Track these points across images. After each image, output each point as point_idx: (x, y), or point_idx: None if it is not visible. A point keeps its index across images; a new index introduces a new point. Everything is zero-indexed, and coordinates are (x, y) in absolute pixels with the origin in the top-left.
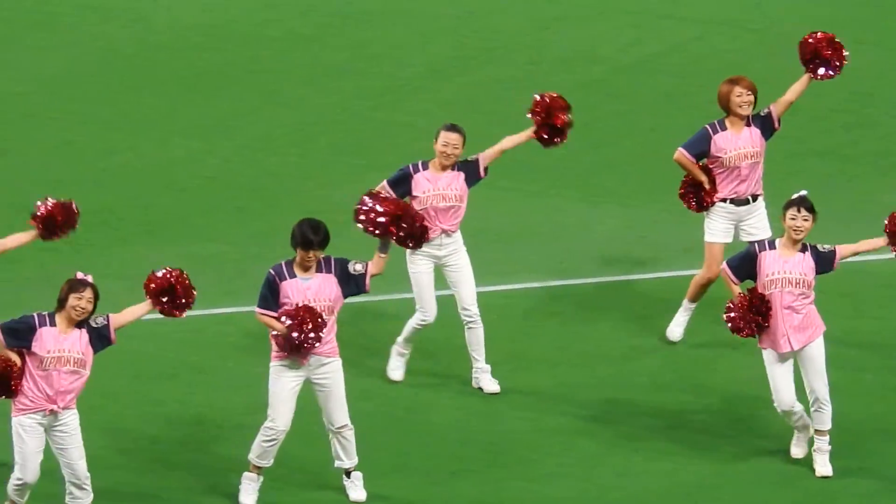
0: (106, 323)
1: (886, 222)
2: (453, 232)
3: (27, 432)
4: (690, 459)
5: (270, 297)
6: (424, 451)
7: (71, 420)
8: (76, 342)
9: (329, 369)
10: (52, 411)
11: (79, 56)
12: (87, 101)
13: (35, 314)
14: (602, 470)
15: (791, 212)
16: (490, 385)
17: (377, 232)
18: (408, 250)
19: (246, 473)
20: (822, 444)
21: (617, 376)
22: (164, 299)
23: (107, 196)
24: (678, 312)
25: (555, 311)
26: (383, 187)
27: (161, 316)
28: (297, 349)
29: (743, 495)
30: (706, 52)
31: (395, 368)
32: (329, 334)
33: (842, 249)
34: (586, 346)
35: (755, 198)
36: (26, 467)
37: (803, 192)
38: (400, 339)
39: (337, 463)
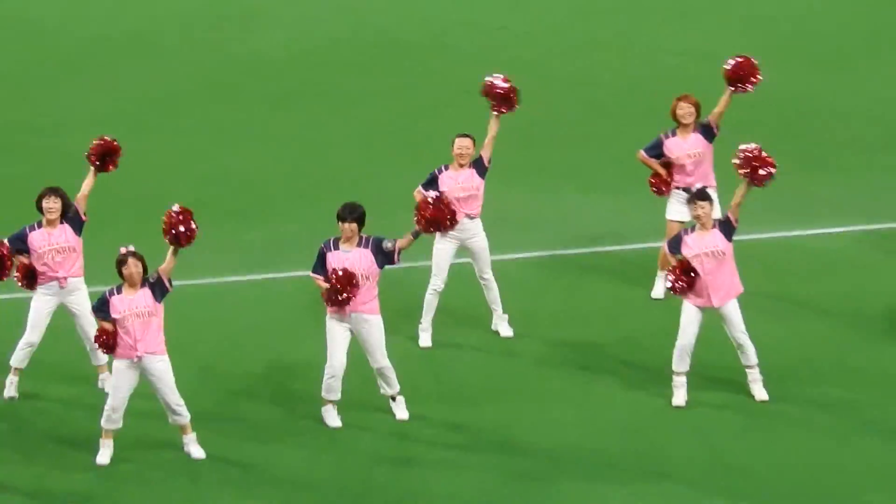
0: (158, 276)
1: (738, 161)
2: (475, 216)
3: (119, 372)
4: (666, 390)
5: (318, 264)
6: (454, 384)
7: (158, 364)
8: (141, 299)
9: (369, 324)
10: (138, 357)
11: (179, 79)
12: (185, 117)
13: (106, 290)
14: (595, 398)
15: (691, 206)
16: (506, 330)
17: (427, 229)
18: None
19: (323, 407)
20: (754, 375)
21: (610, 327)
22: (174, 232)
23: (209, 189)
24: (657, 277)
25: (557, 277)
26: (419, 191)
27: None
28: (334, 304)
29: (703, 420)
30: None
31: (424, 339)
32: (367, 296)
33: (730, 212)
34: (584, 304)
35: (705, 188)
36: (115, 397)
37: (697, 186)
38: (422, 317)
39: (382, 391)
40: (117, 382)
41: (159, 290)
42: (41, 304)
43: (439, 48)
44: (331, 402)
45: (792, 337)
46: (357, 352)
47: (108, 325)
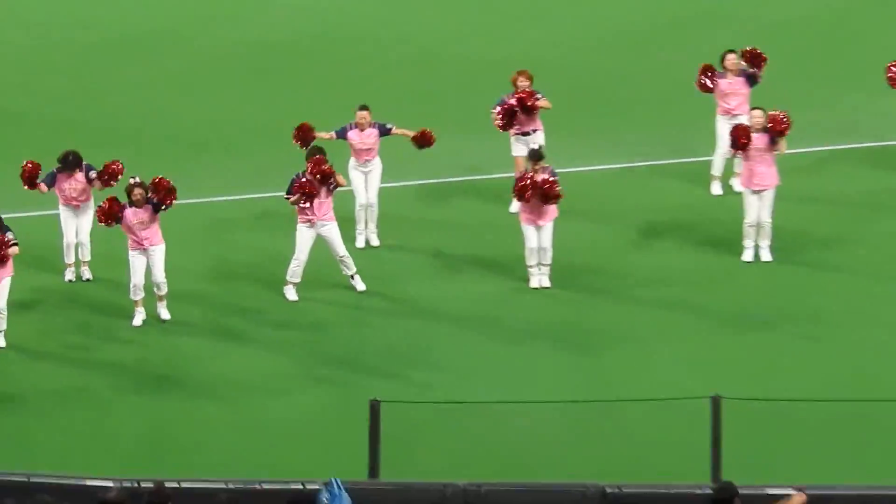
0: (154, 198)
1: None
2: (372, 160)
3: (133, 257)
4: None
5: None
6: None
7: (156, 251)
8: (143, 212)
9: (328, 228)
10: (143, 248)
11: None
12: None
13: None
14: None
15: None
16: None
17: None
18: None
19: (285, 287)
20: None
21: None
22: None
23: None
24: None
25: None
26: (331, 136)
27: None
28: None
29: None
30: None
31: (359, 241)
32: (327, 209)
33: None
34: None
35: (535, 131)
36: (135, 276)
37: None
38: (356, 225)
39: (344, 271)
40: (134, 265)
41: (155, 207)
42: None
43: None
44: (292, 283)
45: None
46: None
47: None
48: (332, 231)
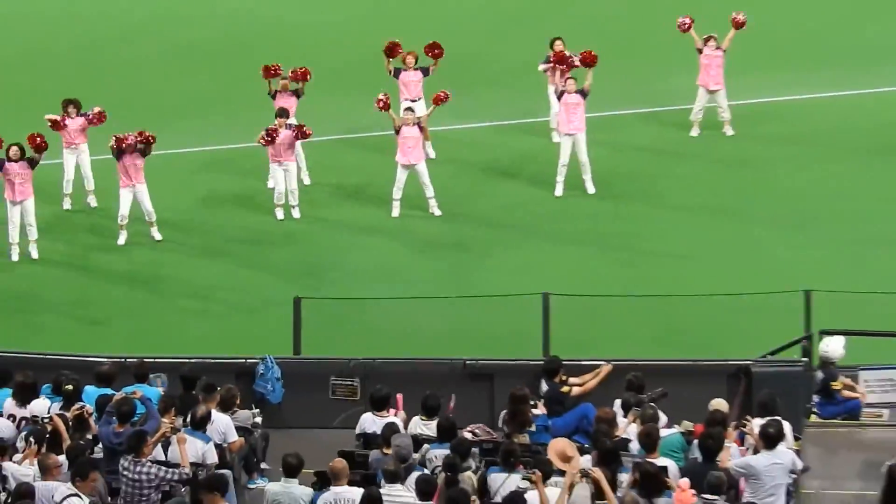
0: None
1: None
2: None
3: (123, 195)
4: None
5: None
6: None
7: (141, 188)
8: (137, 156)
9: (287, 166)
10: (133, 185)
11: None
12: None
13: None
14: None
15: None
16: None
17: None
18: None
19: (276, 209)
20: None
21: None
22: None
23: None
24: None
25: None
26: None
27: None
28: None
29: None
30: None
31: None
32: (287, 151)
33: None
34: None
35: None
36: (123, 206)
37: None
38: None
39: (291, 201)
40: (123, 198)
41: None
42: None
43: None
44: (279, 205)
45: None
46: None
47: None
48: (291, 169)
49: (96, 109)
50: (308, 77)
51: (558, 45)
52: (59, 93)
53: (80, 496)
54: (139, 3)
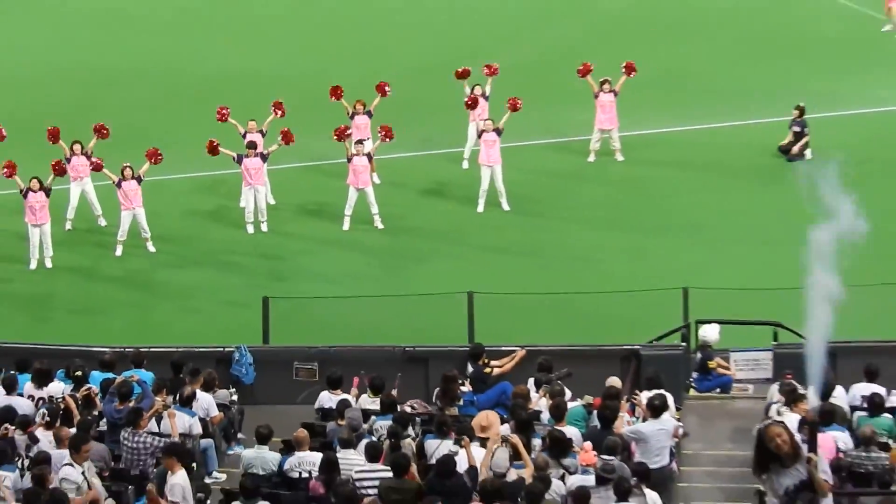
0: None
1: None
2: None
3: (124, 216)
4: None
5: None
6: None
7: (139, 211)
8: (135, 185)
9: (259, 188)
10: (133, 208)
11: None
12: None
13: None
14: None
15: None
16: None
17: None
18: None
19: (246, 224)
20: None
21: None
22: None
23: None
24: None
25: None
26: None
27: None
28: None
29: None
30: None
31: None
32: (259, 175)
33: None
34: None
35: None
36: (124, 225)
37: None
38: None
39: (260, 218)
40: (124, 219)
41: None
42: None
43: None
44: (249, 222)
45: None
46: None
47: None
48: (260, 191)
49: (95, 158)
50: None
51: (477, 90)
52: (65, 127)
53: (73, 465)
54: (130, 52)
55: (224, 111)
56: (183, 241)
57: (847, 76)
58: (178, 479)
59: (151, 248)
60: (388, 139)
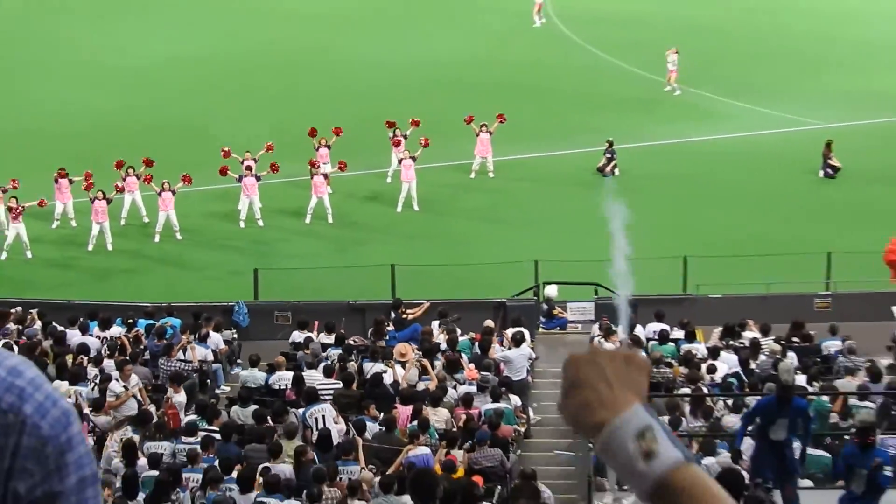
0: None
1: None
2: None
3: (160, 216)
4: None
5: None
6: None
7: (172, 213)
8: (169, 195)
9: (252, 198)
10: (167, 210)
11: None
12: None
13: None
14: None
15: None
16: None
17: None
18: None
19: (240, 221)
20: None
21: None
22: None
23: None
24: None
25: None
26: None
27: None
28: None
29: None
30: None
31: None
32: (251, 188)
33: None
34: None
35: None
36: (160, 222)
37: None
38: None
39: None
40: (160, 218)
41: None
42: None
43: None
44: (241, 220)
45: None
46: None
47: None
48: (254, 200)
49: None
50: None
51: (398, 132)
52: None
53: (118, 381)
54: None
55: (226, 150)
56: (201, 232)
57: (635, 119)
58: (180, 397)
59: (179, 237)
60: (342, 168)
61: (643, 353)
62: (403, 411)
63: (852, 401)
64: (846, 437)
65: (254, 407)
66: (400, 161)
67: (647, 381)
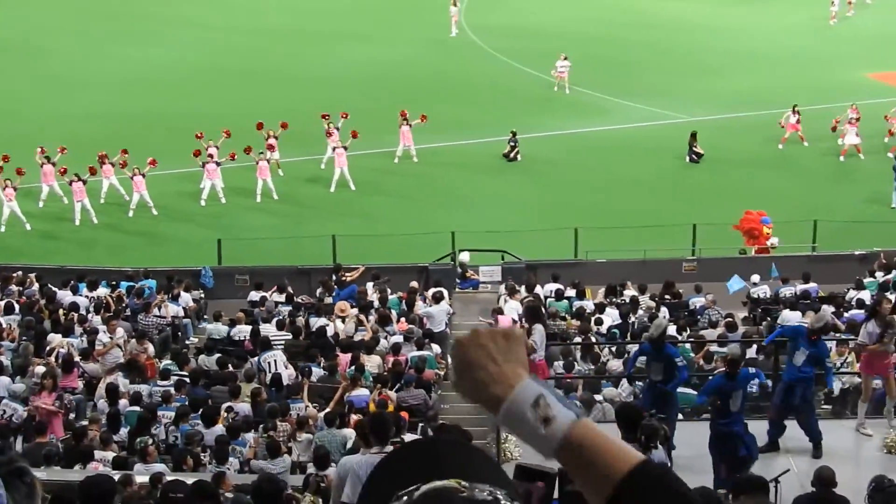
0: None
1: None
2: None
3: (145, 196)
4: None
5: None
6: None
7: (145, 194)
8: (141, 181)
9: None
10: (141, 193)
11: None
12: None
13: None
14: None
15: None
16: None
17: None
18: None
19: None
20: None
21: None
22: None
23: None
24: None
25: None
26: None
27: None
28: None
29: None
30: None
31: None
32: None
33: None
34: None
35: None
36: (134, 199)
37: None
38: None
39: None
40: (134, 197)
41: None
42: None
43: None
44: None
45: None
46: None
47: None
48: (216, 183)
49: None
50: (218, 147)
51: (331, 127)
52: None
53: (105, 332)
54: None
55: (200, 133)
56: (172, 209)
57: (534, 114)
58: (150, 350)
59: (154, 213)
60: (272, 151)
61: (515, 329)
62: (343, 358)
63: (713, 348)
64: (710, 376)
65: (217, 355)
66: (333, 150)
67: (524, 352)
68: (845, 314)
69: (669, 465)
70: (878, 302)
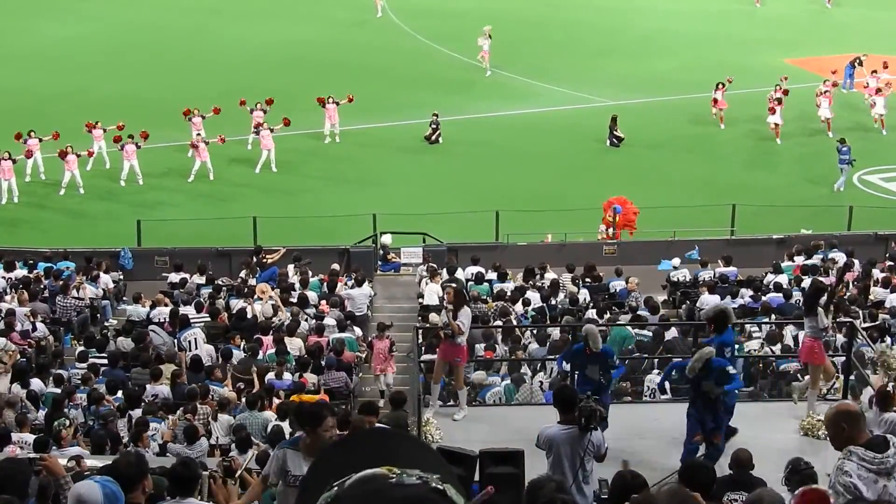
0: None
1: None
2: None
3: (128, 166)
4: None
5: None
6: None
7: (134, 162)
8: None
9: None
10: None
11: None
12: None
13: None
14: None
15: None
16: None
17: None
18: None
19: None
20: None
21: None
22: None
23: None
24: None
25: None
26: None
27: None
28: None
29: None
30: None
31: None
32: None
33: None
34: None
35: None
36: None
37: None
38: None
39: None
40: (66, 176)
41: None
42: None
43: None
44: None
45: None
46: None
47: None
48: (134, 165)
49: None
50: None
51: (258, 106)
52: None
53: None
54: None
55: (121, 125)
56: (95, 189)
57: (455, 96)
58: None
59: (81, 192)
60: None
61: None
62: (266, 341)
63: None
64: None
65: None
66: (258, 132)
67: None
68: (763, 297)
69: (605, 446)
70: (833, 293)
